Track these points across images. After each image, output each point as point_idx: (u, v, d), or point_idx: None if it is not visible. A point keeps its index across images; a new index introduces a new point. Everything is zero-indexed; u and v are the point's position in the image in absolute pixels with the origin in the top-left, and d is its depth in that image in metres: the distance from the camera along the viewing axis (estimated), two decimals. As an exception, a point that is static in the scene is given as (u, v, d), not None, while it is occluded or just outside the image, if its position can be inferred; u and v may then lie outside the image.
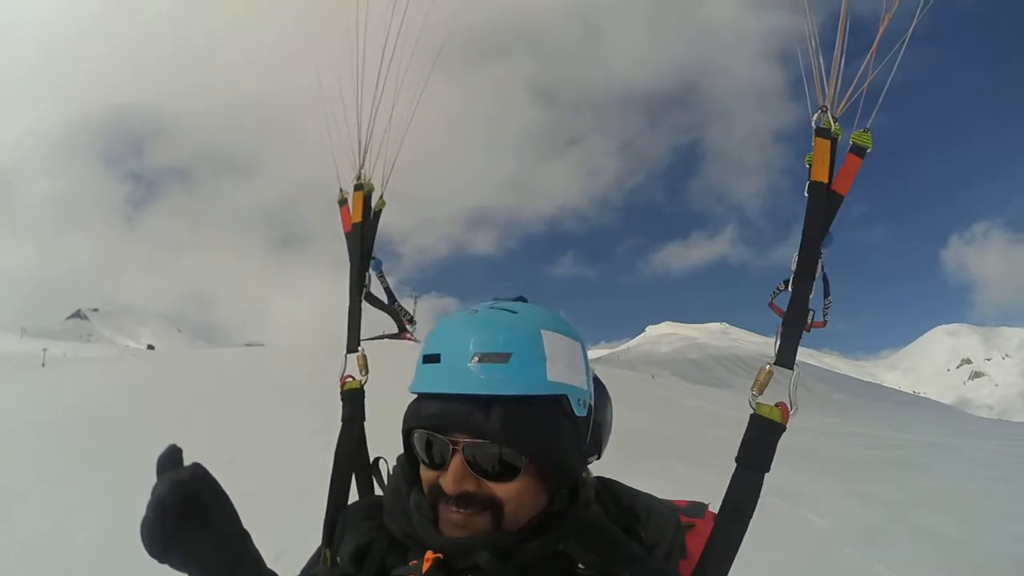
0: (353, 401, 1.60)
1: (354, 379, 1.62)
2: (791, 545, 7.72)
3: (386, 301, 1.76)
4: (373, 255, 1.71)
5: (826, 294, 1.29)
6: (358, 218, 1.70)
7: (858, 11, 1.29)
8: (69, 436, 11.97)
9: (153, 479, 1.08)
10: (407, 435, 1.19)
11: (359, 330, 1.67)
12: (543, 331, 1.13)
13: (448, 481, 1.08)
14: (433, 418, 1.11)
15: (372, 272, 1.70)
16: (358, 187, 1.71)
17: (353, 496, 1.50)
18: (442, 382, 1.10)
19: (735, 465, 1.23)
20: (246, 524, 1.16)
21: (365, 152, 1.71)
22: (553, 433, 1.11)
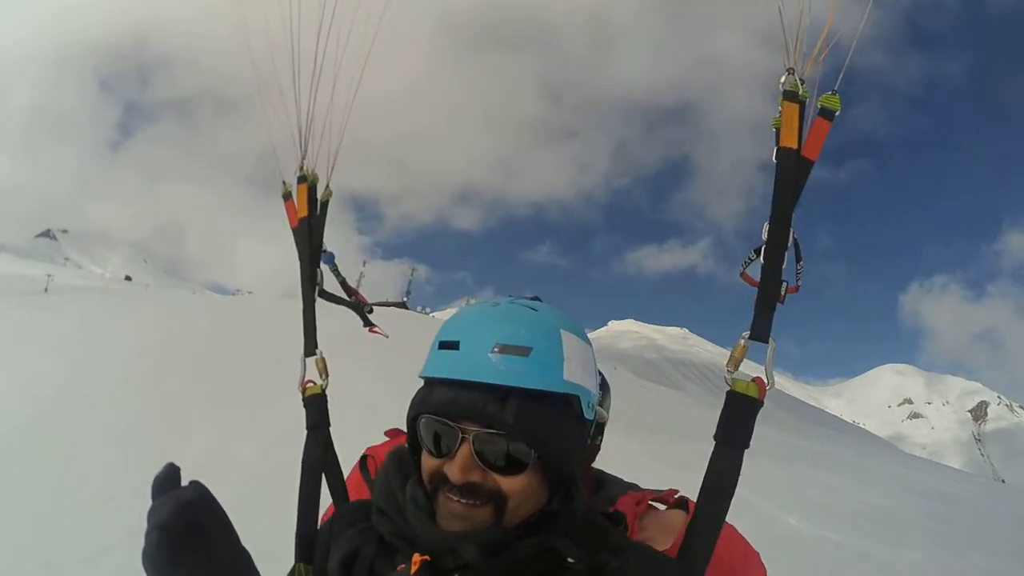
0: (316, 407, 1.53)
1: (315, 384, 1.56)
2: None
3: (345, 295, 1.70)
4: (324, 248, 1.63)
5: (798, 259, 1.24)
6: (304, 212, 1.62)
7: None
8: (196, 374, 13.90)
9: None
10: (413, 421, 1.16)
11: (315, 331, 1.59)
12: (562, 331, 1.13)
13: (455, 469, 1.07)
14: (446, 404, 1.09)
15: (325, 266, 1.62)
16: (301, 179, 1.63)
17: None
18: (460, 369, 1.09)
19: (713, 443, 1.21)
20: None
21: (307, 142, 1.62)
22: (563, 432, 1.11)
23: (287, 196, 1.65)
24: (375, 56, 1.59)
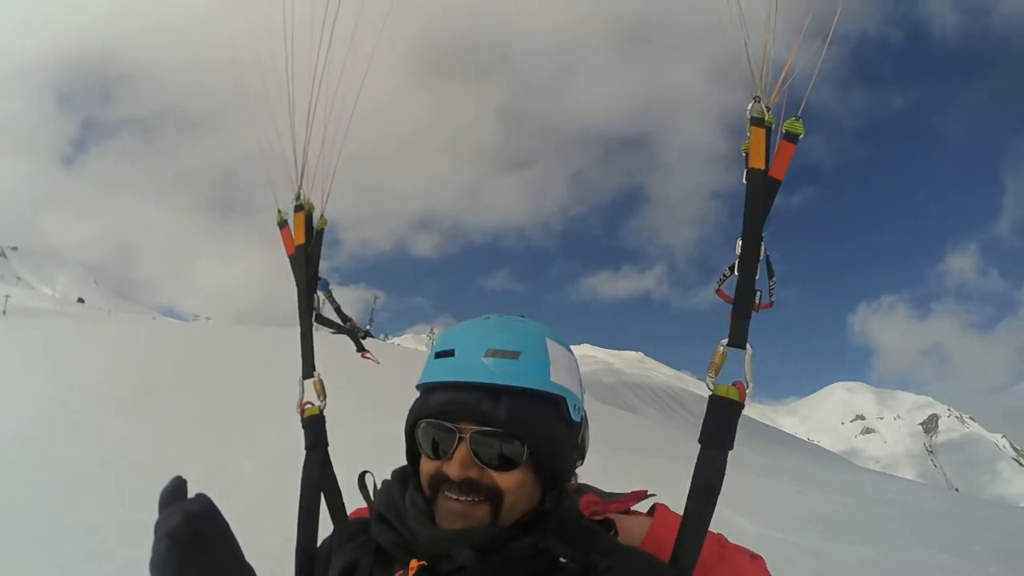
0: (314, 428, 1.60)
1: (313, 405, 1.62)
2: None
3: (339, 321, 1.74)
4: (319, 276, 1.67)
5: (770, 275, 1.32)
6: (301, 239, 1.67)
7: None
8: (192, 397, 14.09)
9: None
10: (411, 428, 1.24)
11: (313, 355, 1.65)
12: (548, 339, 1.25)
13: (453, 466, 1.14)
14: (442, 406, 1.17)
15: (320, 293, 1.67)
16: (298, 207, 1.68)
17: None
18: (455, 372, 1.18)
19: (699, 447, 1.26)
20: None
21: (303, 172, 1.67)
22: (552, 430, 1.19)
23: (282, 224, 1.70)
24: (352, 84, 1.65)
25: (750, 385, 1.25)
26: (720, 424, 1.25)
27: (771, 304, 1.31)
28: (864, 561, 9.49)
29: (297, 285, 1.64)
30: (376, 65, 1.62)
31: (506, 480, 1.14)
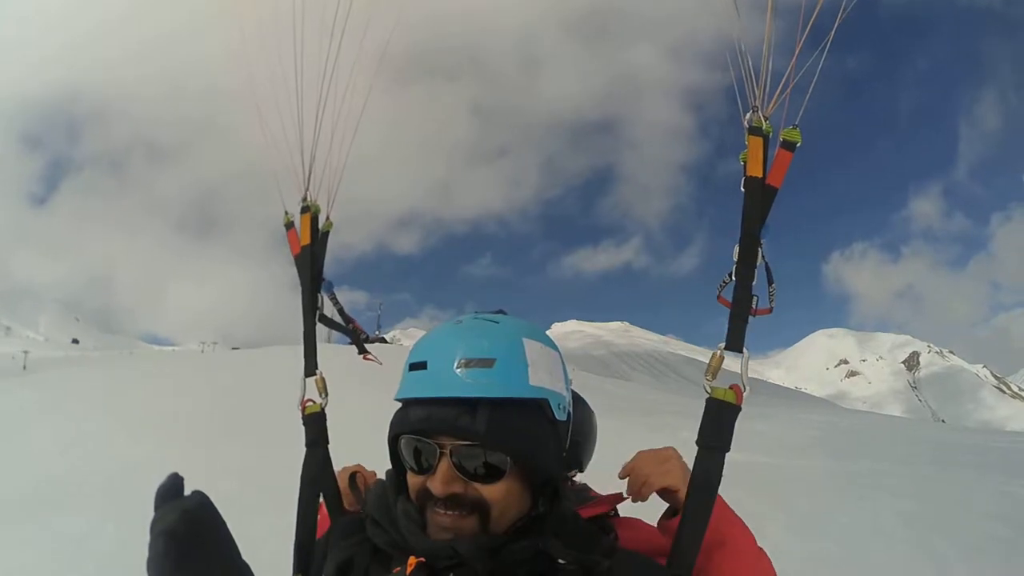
0: (315, 425, 1.59)
1: (315, 403, 1.61)
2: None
3: (343, 322, 1.75)
4: (324, 277, 1.67)
5: (770, 281, 1.33)
6: (307, 240, 1.66)
7: (786, 17, 1.33)
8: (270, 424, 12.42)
9: None
10: (393, 442, 1.21)
11: (316, 353, 1.64)
12: (525, 339, 1.19)
13: (436, 483, 1.10)
14: (420, 422, 1.13)
15: (323, 294, 1.67)
16: (305, 209, 1.68)
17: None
18: (429, 387, 1.14)
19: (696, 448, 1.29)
20: None
21: (310, 174, 1.68)
22: (535, 435, 1.15)
23: (289, 226, 1.70)
24: (359, 86, 1.66)
25: (746, 388, 1.27)
26: (717, 426, 1.26)
27: (770, 310, 1.32)
28: (822, 470, 11.98)
29: (302, 285, 1.65)
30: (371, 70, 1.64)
31: (492, 491, 1.11)
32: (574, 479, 2.08)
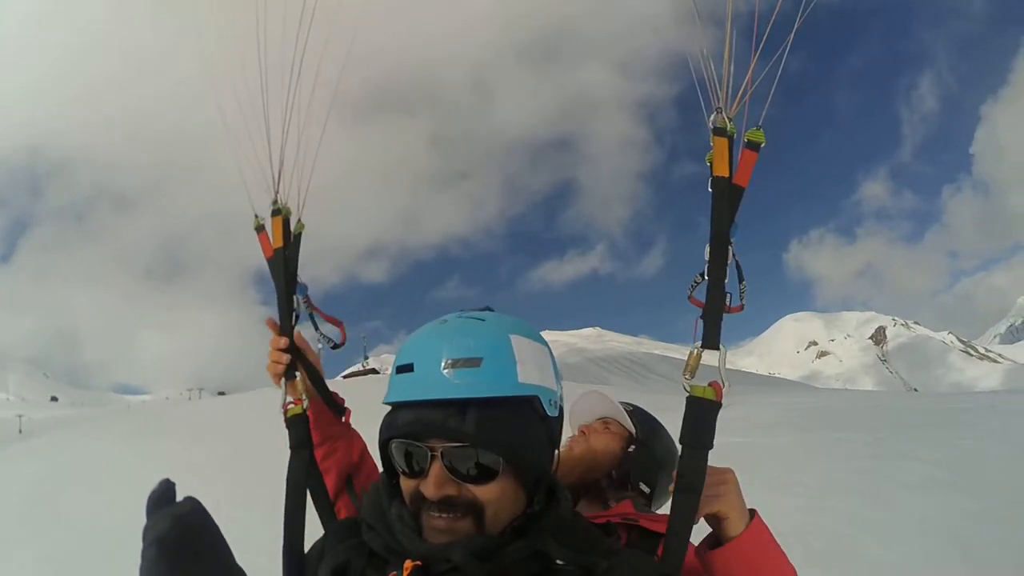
0: (298, 427, 1.56)
1: (296, 405, 1.59)
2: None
3: (314, 327, 1.71)
4: (298, 280, 1.64)
5: (740, 279, 1.32)
6: (279, 243, 1.64)
7: (745, 19, 1.32)
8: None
9: None
10: (384, 446, 1.20)
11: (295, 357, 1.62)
12: (512, 336, 1.17)
13: (429, 487, 1.10)
14: (409, 426, 1.12)
15: (298, 297, 1.64)
16: (276, 211, 1.65)
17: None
18: (416, 390, 1.12)
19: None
20: None
21: (279, 176, 1.66)
22: (526, 433, 1.14)
23: (259, 229, 1.68)
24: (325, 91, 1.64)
25: (725, 384, 1.27)
26: (699, 424, 1.26)
27: (741, 307, 1.31)
28: (789, 442, 13.22)
29: (276, 288, 1.62)
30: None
31: (485, 492, 1.11)
32: (645, 502, 1.91)
